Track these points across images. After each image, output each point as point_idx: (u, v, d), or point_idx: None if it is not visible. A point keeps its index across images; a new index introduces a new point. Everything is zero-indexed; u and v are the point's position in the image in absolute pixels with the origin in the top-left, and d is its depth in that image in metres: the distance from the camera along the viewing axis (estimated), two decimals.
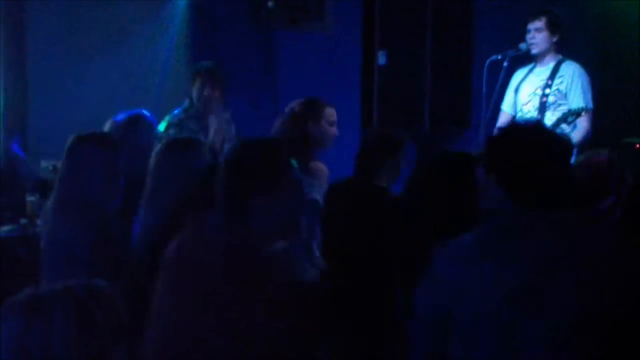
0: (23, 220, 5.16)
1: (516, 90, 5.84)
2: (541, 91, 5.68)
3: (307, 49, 6.85)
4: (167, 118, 5.57)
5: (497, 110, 5.93)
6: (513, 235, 2.36)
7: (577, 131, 5.45)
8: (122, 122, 4.49)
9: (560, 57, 5.73)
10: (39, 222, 4.08)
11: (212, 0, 6.57)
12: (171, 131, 5.36)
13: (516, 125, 2.79)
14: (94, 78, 6.07)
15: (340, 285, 3.13)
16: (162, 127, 5.44)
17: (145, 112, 4.59)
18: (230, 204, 2.62)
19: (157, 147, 3.65)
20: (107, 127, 4.50)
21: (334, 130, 4.49)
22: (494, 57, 5.78)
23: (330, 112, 4.55)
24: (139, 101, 5.79)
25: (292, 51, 6.82)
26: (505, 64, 5.74)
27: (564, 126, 5.37)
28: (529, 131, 2.55)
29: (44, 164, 5.52)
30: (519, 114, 5.80)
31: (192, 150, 3.51)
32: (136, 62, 6.22)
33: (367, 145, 4.07)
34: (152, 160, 3.45)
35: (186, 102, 5.56)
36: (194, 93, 5.56)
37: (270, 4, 6.50)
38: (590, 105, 5.57)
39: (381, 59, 7.04)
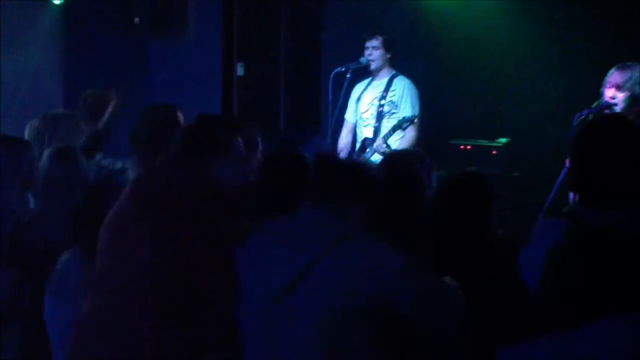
0: None
1: (357, 101, 6.10)
2: (377, 102, 5.96)
3: (173, 59, 6.89)
4: None
5: (342, 115, 6.15)
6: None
7: (405, 138, 5.80)
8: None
9: (394, 72, 6.00)
10: None
11: (84, 13, 6.51)
12: None
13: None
14: None
15: None
16: None
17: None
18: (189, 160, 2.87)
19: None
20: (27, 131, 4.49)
21: None
22: (338, 69, 5.93)
23: None
24: (10, 107, 5.79)
25: (159, 61, 6.89)
26: (348, 75, 5.92)
27: (399, 131, 5.73)
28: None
29: None
30: (359, 122, 6.08)
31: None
32: (9, 71, 5.99)
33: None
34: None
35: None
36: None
37: (136, 19, 6.49)
38: (417, 113, 5.87)
39: (239, 70, 7.09)
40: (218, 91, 6.93)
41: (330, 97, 5.96)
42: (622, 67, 4.68)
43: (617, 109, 4.61)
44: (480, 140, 6.75)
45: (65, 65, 6.51)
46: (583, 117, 4.62)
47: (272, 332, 2.52)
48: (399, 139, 5.77)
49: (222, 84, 6.97)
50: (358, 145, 6.06)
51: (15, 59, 6.05)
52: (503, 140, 6.71)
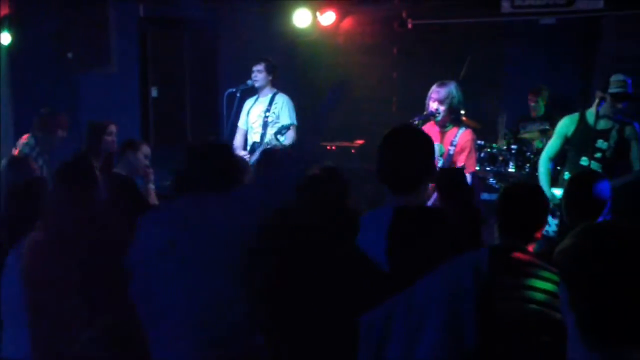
0: None
1: (247, 113, 6.85)
2: (263, 114, 6.74)
3: (100, 86, 7.32)
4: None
5: (234, 126, 6.80)
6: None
7: (287, 139, 6.55)
8: None
9: (275, 90, 6.79)
10: None
11: (27, 51, 6.95)
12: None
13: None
14: None
15: None
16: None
17: None
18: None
19: None
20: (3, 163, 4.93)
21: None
22: (230, 90, 6.56)
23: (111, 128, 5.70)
24: None
25: (89, 88, 7.37)
26: (238, 94, 6.57)
27: (279, 137, 6.39)
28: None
29: None
30: (250, 129, 6.79)
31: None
32: None
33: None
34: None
35: (33, 140, 5.88)
36: (40, 134, 5.86)
37: (69, 54, 7.03)
38: (295, 121, 6.70)
39: (153, 92, 7.56)
40: (137, 110, 7.36)
41: (224, 112, 6.66)
42: (441, 85, 5.27)
43: (439, 116, 5.25)
44: (342, 142, 7.56)
45: (13, 94, 7.00)
46: (417, 122, 5.17)
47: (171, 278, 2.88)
48: (283, 140, 6.49)
49: (140, 104, 7.35)
50: (249, 147, 6.78)
51: None
52: (360, 142, 7.50)
